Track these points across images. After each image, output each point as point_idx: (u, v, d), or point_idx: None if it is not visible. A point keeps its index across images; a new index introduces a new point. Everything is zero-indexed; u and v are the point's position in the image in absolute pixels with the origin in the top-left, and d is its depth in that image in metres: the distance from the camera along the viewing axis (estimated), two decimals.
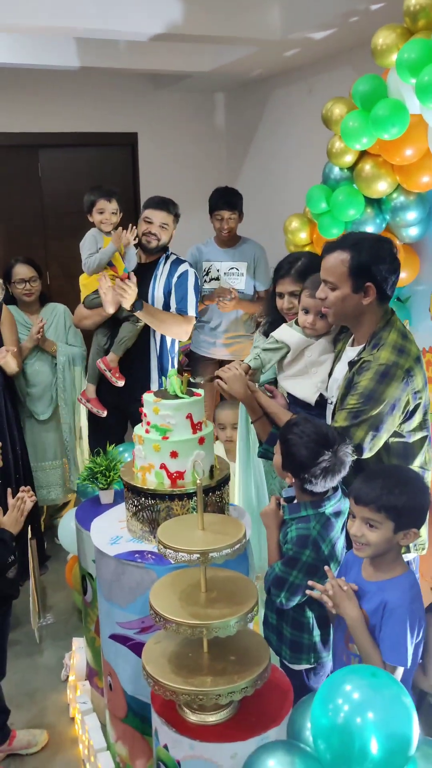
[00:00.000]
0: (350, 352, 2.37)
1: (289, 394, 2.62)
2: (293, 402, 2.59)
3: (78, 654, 3.03)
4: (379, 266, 2.19)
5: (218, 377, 2.55)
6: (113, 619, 2.25)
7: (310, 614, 2.16)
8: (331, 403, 2.44)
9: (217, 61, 4.76)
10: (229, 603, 1.82)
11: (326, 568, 2.02)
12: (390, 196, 3.14)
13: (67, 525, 3.36)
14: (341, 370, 2.41)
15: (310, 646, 2.17)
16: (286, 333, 2.59)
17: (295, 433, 2.08)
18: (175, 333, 3.58)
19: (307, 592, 2.01)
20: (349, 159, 3.14)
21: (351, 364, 2.29)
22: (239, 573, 2.00)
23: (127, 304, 3.38)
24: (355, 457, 2.15)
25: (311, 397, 2.52)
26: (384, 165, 3.03)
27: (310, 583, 2.01)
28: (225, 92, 6.07)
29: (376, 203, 3.22)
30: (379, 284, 2.21)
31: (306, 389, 2.54)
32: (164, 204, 3.57)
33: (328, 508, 2.13)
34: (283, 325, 2.64)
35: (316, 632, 2.18)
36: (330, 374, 2.52)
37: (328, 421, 2.41)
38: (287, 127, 5.17)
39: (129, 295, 3.35)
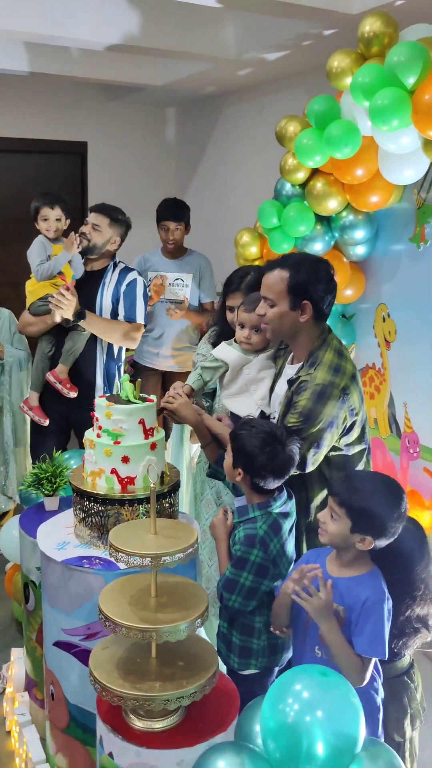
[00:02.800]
0: (289, 370, 2.43)
1: (231, 412, 2.65)
2: (236, 420, 2.61)
3: (16, 665, 2.97)
4: (316, 285, 2.27)
5: (165, 409, 2.55)
6: (58, 626, 2.21)
7: (258, 619, 2.17)
8: (274, 419, 2.48)
9: (171, 75, 4.81)
10: (180, 608, 1.82)
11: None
12: (340, 215, 3.23)
13: (8, 533, 3.29)
14: (282, 386, 2.46)
15: (258, 651, 2.19)
16: (225, 351, 2.63)
17: (246, 429, 2.14)
18: (122, 341, 3.57)
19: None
20: (301, 176, 3.22)
21: (290, 382, 2.36)
22: (189, 579, 2.00)
23: (68, 315, 3.35)
24: (298, 472, 2.21)
25: (253, 414, 2.54)
26: (335, 183, 3.12)
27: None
28: (177, 107, 6.13)
29: (326, 221, 3.30)
30: (316, 303, 2.28)
31: (247, 407, 2.57)
32: (103, 208, 3.57)
33: (275, 508, 2.16)
34: (222, 343, 2.68)
35: (264, 637, 2.20)
36: (272, 390, 2.57)
37: None
38: (237, 144, 5.25)
39: (67, 305, 3.32)
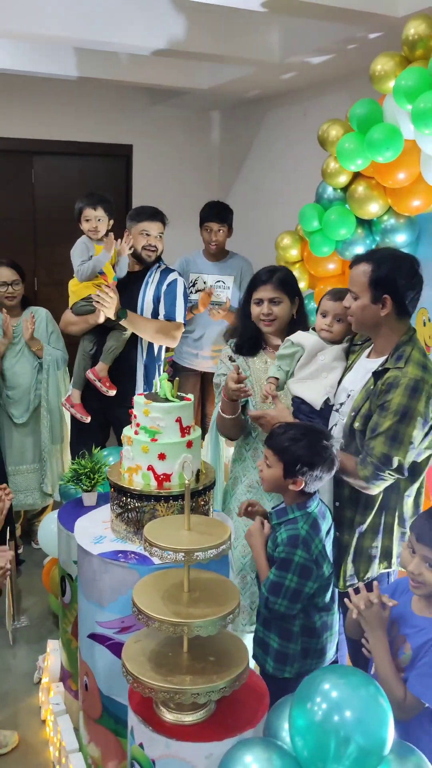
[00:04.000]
0: (368, 363, 2.40)
1: (294, 398, 2.63)
2: (297, 407, 2.60)
3: (52, 656, 3.03)
4: (398, 280, 2.27)
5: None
6: (93, 619, 2.26)
7: (297, 623, 2.19)
8: (337, 410, 2.48)
9: (215, 79, 4.85)
10: (211, 603, 1.84)
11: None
12: (381, 218, 3.22)
13: (47, 527, 3.36)
14: (353, 380, 2.45)
15: (294, 656, 2.20)
16: (302, 335, 2.63)
17: (292, 438, 2.16)
18: (162, 339, 3.62)
19: (345, 601, 2.00)
20: (342, 180, 3.22)
21: (376, 374, 2.32)
22: (222, 575, 2.02)
23: (110, 314, 3.40)
24: (396, 476, 2.23)
25: (319, 401, 2.53)
26: (376, 187, 3.11)
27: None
28: (220, 110, 6.17)
29: (367, 224, 3.30)
30: (397, 297, 2.28)
31: (315, 392, 2.55)
32: (159, 215, 3.63)
33: (313, 508, 2.18)
34: (299, 331, 2.69)
35: (299, 641, 2.21)
36: (339, 383, 2.56)
37: (339, 427, 2.44)
38: (280, 147, 5.27)
39: (109, 304, 3.38)
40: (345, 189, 3.27)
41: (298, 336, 2.64)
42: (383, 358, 2.34)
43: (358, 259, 2.37)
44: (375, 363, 2.36)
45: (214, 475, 2.38)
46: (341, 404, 2.48)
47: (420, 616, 1.88)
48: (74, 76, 4.80)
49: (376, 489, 2.29)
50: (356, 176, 3.20)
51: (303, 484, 2.16)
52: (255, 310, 2.72)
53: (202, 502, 2.29)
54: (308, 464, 2.15)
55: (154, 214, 3.61)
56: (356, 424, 2.33)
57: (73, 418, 3.81)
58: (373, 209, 3.14)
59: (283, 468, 2.17)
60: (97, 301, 3.40)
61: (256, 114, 5.57)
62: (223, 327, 4.35)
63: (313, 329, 2.66)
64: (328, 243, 3.34)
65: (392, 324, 2.32)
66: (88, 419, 3.72)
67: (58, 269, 5.49)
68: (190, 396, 2.31)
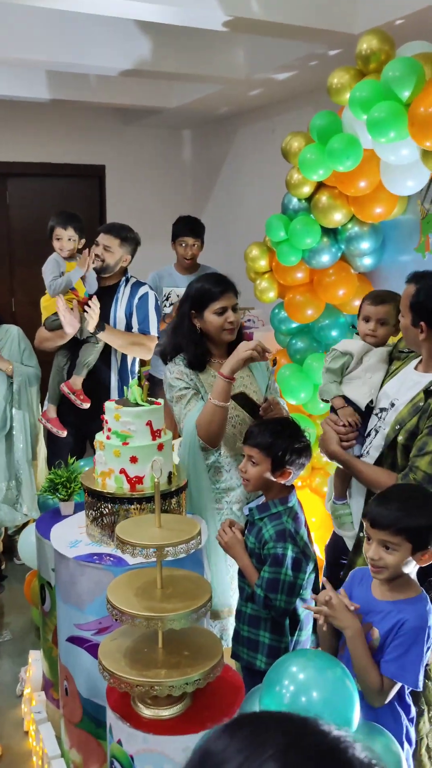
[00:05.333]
0: (416, 376, 2.40)
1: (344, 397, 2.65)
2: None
3: (34, 666, 3.05)
4: None
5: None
6: (71, 622, 2.29)
7: (287, 617, 2.24)
8: (377, 414, 2.51)
9: (184, 97, 4.96)
10: (184, 598, 1.89)
11: (324, 579, 2.07)
12: (345, 227, 3.32)
13: (27, 539, 3.39)
14: (397, 388, 2.45)
15: (286, 650, 2.25)
16: (347, 343, 2.66)
17: (275, 431, 2.26)
18: (137, 352, 3.68)
19: (304, 606, 2.06)
20: (306, 190, 3.31)
21: (428, 392, 2.29)
22: (194, 572, 2.07)
23: (91, 327, 3.47)
24: None
25: (364, 401, 2.56)
26: (339, 196, 3.21)
27: (310, 597, 2.06)
28: (191, 129, 6.29)
29: (332, 233, 3.39)
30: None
31: (360, 392, 2.59)
32: (111, 228, 3.68)
33: (294, 502, 2.27)
34: (342, 340, 2.73)
35: (289, 637, 2.27)
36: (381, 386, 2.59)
37: (381, 435, 2.44)
38: (251, 162, 5.38)
39: (93, 315, 3.44)
40: (309, 199, 3.36)
41: (344, 344, 2.66)
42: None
43: (410, 278, 2.37)
44: (423, 377, 2.35)
45: (185, 477, 2.44)
46: (382, 410, 2.49)
47: (382, 600, 1.91)
48: (46, 99, 4.89)
49: None
50: (319, 186, 3.30)
51: (291, 474, 2.25)
52: (217, 320, 2.62)
53: (175, 504, 2.34)
54: (296, 453, 2.24)
55: (106, 228, 3.70)
56: (400, 438, 2.31)
57: (49, 433, 3.85)
58: (336, 218, 3.24)
59: (271, 462, 2.24)
60: (84, 315, 3.44)
61: (226, 131, 5.69)
62: None
63: (356, 334, 2.72)
64: (295, 252, 3.43)
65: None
66: (64, 434, 3.76)
67: (35, 288, 5.52)
68: (160, 400, 2.37)
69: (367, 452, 2.49)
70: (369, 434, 2.52)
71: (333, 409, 2.65)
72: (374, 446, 2.47)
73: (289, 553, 2.18)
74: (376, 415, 2.51)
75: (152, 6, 2.95)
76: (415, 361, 2.47)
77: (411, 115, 2.59)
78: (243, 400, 2.61)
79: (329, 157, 2.96)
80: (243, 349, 2.50)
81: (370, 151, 2.92)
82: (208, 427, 2.54)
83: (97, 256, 3.62)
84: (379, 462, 2.42)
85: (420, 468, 2.21)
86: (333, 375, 2.67)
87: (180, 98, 5.01)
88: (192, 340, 2.67)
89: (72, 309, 3.49)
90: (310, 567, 2.25)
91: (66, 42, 3.88)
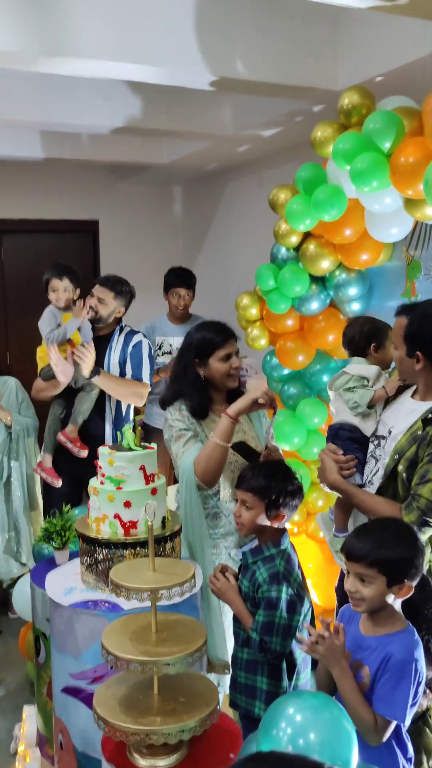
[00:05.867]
0: (413, 404, 2.41)
1: (332, 425, 2.65)
2: (335, 433, 2.60)
3: (28, 722, 2.98)
4: (429, 336, 2.27)
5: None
6: (66, 672, 2.27)
7: (284, 661, 2.22)
8: (374, 442, 2.50)
9: (174, 154, 5.11)
10: (179, 642, 1.88)
11: (305, 624, 2.07)
12: (333, 274, 3.39)
13: (21, 590, 3.35)
14: (395, 417, 2.45)
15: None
16: (364, 367, 2.60)
17: (268, 474, 2.28)
18: (131, 399, 3.71)
19: (299, 636, 2.03)
20: (294, 240, 3.40)
21: (425, 421, 2.30)
22: (189, 616, 2.06)
23: (86, 371, 3.50)
24: None
25: (370, 429, 2.55)
26: (326, 245, 3.29)
27: (298, 636, 2.05)
28: (182, 184, 6.46)
29: (321, 280, 3.47)
30: (429, 354, 2.28)
31: (371, 421, 2.57)
32: (106, 281, 3.76)
33: (286, 544, 2.27)
34: (349, 365, 2.68)
35: (287, 681, 2.24)
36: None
37: (381, 464, 2.43)
38: (240, 215, 5.51)
39: (88, 360, 3.47)
40: (297, 248, 3.45)
41: (358, 369, 2.60)
42: (429, 403, 2.34)
43: (399, 311, 2.41)
44: (420, 405, 2.37)
45: (180, 522, 2.44)
46: (380, 437, 2.49)
47: (369, 636, 1.91)
48: (40, 157, 5.03)
49: (422, 536, 2.24)
50: (306, 236, 3.39)
51: (284, 517, 2.26)
52: (223, 366, 2.68)
53: (169, 548, 2.33)
54: (290, 495, 2.26)
55: (101, 280, 3.79)
56: (400, 467, 2.31)
57: (45, 484, 3.85)
58: (324, 265, 3.31)
59: (265, 506, 2.25)
60: (78, 356, 3.47)
61: (215, 185, 5.84)
62: None
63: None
64: (285, 300, 3.50)
65: (428, 375, 2.33)
66: (59, 483, 3.76)
67: (30, 342, 5.58)
68: (153, 445, 2.39)
69: (370, 482, 2.47)
70: (368, 462, 2.53)
71: (331, 439, 2.63)
72: (376, 476, 2.45)
73: (283, 596, 2.17)
74: (373, 442, 2.52)
75: (142, 67, 3.07)
76: (410, 390, 2.48)
77: (392, 165, 2.69)
78: (243, 449, 2.64)
79: (315, 208, 3.05)
80: (253, 393, 2.55)
81: (354, 201, 3.02)
82: (206, 466, 2.54)
83: (90, 307, 3.68)
84: (379, 493, 2.41)
85: (423, 496, 2.21)
86: (353, 396, 2.56)
87: (170, 155, 5.16)
88: (196, 388, 2.70)
89: (65, 358, 3.53)
90: (305, 608, 2.24)
91: (59, 103, 4.01)
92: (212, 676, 2.63)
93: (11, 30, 2.75)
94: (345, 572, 2.38)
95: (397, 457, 2.34)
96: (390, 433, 2.45)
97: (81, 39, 2.87)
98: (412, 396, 2.46)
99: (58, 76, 3.68)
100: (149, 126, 4.26)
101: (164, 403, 2.82)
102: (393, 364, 2.66)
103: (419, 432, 2.30)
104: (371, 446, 2.54)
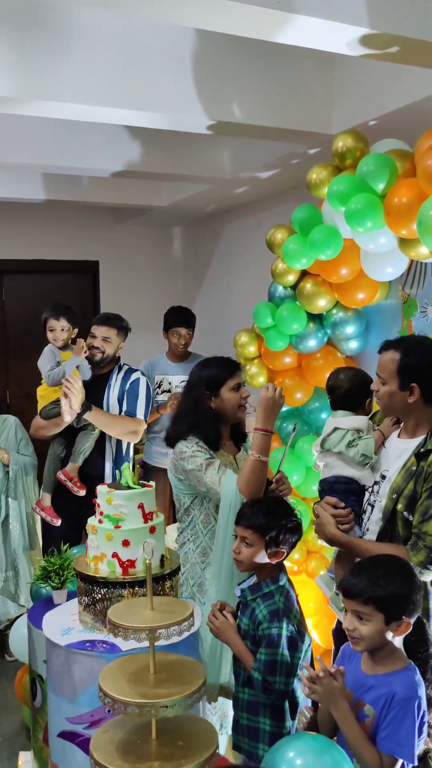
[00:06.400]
0: (401, 444, 2.41)
1: (325, 479, 2.61)
2: (330, 486, 2.56)
3: None
4: (426, 368, 2.31)
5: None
6: (63, 715, 2.23)
7: (286, 702, 2.19)
8: (368, 489, 2.48)
9: (173, 196, 5.20)
10: (178, 683, 1.85)
11: (305, 665, 2.04)
12: (330, 312, 3.43)
13: (18, 631, 3.31)
14: (386, 460, 2.44)
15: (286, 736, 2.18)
16: (354, 420, 2.56)
17: (268, 511, 2.27)
18: (124, 435, 3.70)
19: (300, 674, 1.99)
20: (291, 278, 3.44)
21: (418, 456, 2.30)
22: (188, 657, 2.03)
23: (75, 404, 3.47)
24: None
25: (370, 479, 2.50)
26: (323, 283, 3.33)
27: (300, 675, 2.02)
28: (181, 225, 6.55)
29: (318, 318, 3.50)
30: (424, 385, 2.30)
31: (365, 471, 2.53)
32: (107, 319, 3.79)
33: (285, 581, 2.25)
34: (329, 421, 2.63)
35: (290, 721, 2.20)
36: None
37: (378, 508, 2.40)
38: (238, 255, 5.59)
39: (76, 392, 3.44)
40: (294, 287, 3.49)
41: (351, 422, 2.56)
42: (419, 439, 2.34)
43: (386, 346, 2.41)
44: (410, 443, 2.37)
45: (179, 560, 2.42)
46: (375, 482, 2.47)
47: (371, 675, 1.88)
48: (42, 199, 5.12)
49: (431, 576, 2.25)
50: (303, 274, 3.43)
51: (284, 554, 2.25)
52: (235, 396, 2.72)
53: (168, 587, 2.32)
54: (289, 532, 2.25)
55: (102, 319, 3.80)
56: (399, 506, 2.29)
57: (44, 522, 3.83)
58: (321, 304, 3.35)
59: (265, 543, 2.23)
60: (64, 394, 3.46)
61: (213, 226, 5.93)
62: None
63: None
64: (283, 338, 3.52)
65: (420, 408, 2.35)
66: (58, 522, 3.74)
67: (30, 381, 5.60)
68: (152, 483, 2.39)
69: (367, 529, 2.46)
70: (365, 511, 2.51)
71: (327, 493, 2.57)
72: (373, 521, 2.44)
73: (284, 633, 2.15)
74: (367, 490, 2.51)
75: (141, 113, 3.15)
76: (395, 432, 2.49)
77: (386, 206, 2.74)
78: None
79: (311, 247, 3.10)
80: (262, 403, 2.54)
81: (350, 241, 3.06)
82: (250, 482, 2.52)
83: (96, 348, 3.70)
84: (378, 539, 2.39)
85: (428, 533, 2.19)
86: (355, 458, 2.50)
87: (169, 197, 5.25)
88: (209, 420, 2.73)
89: (72, 384, 3.52)
90: (306, 645, 2.22)
91: (61, 147, 4.10)
92: (215, 720, 2.59)
93: (11, 75, 2.83)
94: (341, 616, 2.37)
95: (395, 496, 2.32)
96: (384, 477, 2.44)
97: (82, 85, 2.95)
98: (399, 436, 2.46)
99: (59, 120, 3.78)
100: (149, 169, 4.35)
101: (174, 439, 2.79)
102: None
103: (414, 468, 2.30)
104: (366, 494, 2.51)
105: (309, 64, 3.32)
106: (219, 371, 2.75)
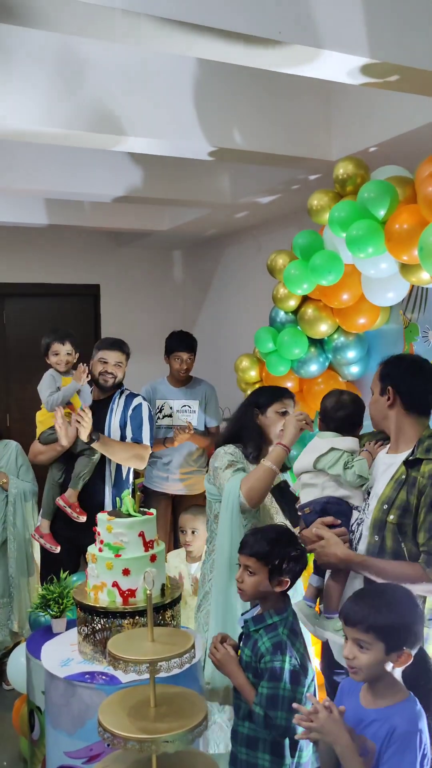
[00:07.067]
0: (388, 459, 2.41)
1: (313, 500, 2.56)
2: (323, 508, 2.52)
3: None
4: (402, 374, 2.36)
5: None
6: (61, 750, 2.19)
7: (286, 738, 2.13)
8: (357, 509, 2.47)
9: (174, 221, 5.22)
10: (179, 717, 1.82)
11: (308, 695, 1.99)
12: (331, 337, 3.42)
13: (17, 661, 3.26)
14: (373, 477, 2.44)
15: None
16: (348, 441, 2.54)
17: (272, 540, 2.24)
18: (131, 462, 3.69)
19: (295, 721, 1.89)
20: (292, 303, 3.44)
21: (408, 463, 2.29)
22: (189, 689, 2.00)
23: (84, 435, 3.48)
24: None
25: (361, 499, 2.49)
26: (324, 308, 3.33)
27: (295, 705, 1.92)
28: (182, 249, 6.57)
29: (319, 343, 3.49)
30: (399, 388, 2.33)
31: (357, 492, 2.52)
32: (117, 344, 3.79)
33: (290, 612, 2.21)
34: (321, 439, 2.60)
35: (290, 759, 2.15)
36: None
37: (366, 525, 2.38)
38: (239, 279, 5.60)
39: (86, 424, 3.46)
40: (295, 312, 3.49)
41: (340, 443, 2.53)
42: (405, 453, 2.33)
43: (380, 362, 2.50)
44: (396, 458, 2.36)
45: (179, 589, 2.39)
46: (363, 500, 2.46)
47: (371, 709, 1.84)
48: (45, 224, 5.15)
49: None
50: (305, 299, 3.43)
51: (288, 583, 2.21)
52: (278, 419, 2.83)
53: (169, 617, 2.28)
54: (293, 560, 2.22)
55: (112, 344, 3.79)
56: (391, 517, 2.27)
57: (43, 549, 3.79)
58: (322, 329, 3.35)
59: (268, 571, 2.20)
60: (77, 421, 3.46)
61: (214, 250, 5.95)
62: (191, 449, 4.45)
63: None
64: (284, 363, 3.52)
65: (403, 417, 2.35)
66: (58, 549, 3.70)
67: (30, 404, 5.59)
68: (153, 510, 2.36)
69: (356, 548, 2.41)
70: (353, 531, 2.46)
71: (318, 515, 2.49)
72: (362, 540, 2.39)
73: (287, 666, 2.10)
74: (356, 509, 2.48)
75: (143, 140, 3.17)
76: (385, 448, 2.48)
77: (387, 232, 2.75)
78: (280, 491, 2.76)
79: (312, 273, 3.10)
80: (293, 422, 2.71)
81: (351, 266, 3.07)
82: (252, 484, 2.63)
83: (109, 373, 3.71)
84: (367, 553, 2.34)
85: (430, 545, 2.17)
86: (352, 480, 2.47)
87: (170, 221, 5.28)
88: (252, 432, 2.87)
89: (69, 422, 3.53)
90: (309, 680, 2.17)
91: (63, 172, 4.13)
92: (224, 719, 2.56)
93: (15, 103, 2.85)
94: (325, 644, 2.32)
95: (385, 507, 2.29)
96: (369, 494, 2.43)
97: (85, 112, 2.97)
98: (388, 452, 2.46)
99: (61, 146, 3.80)
100: (150, 194, 4.37)
101: (219, 445, 2.95)
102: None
103: (403, 476, 2.29)
104: (356, 513, 2.48)
105: (309, 90, 3.35)
106: (273, 391, 2.95)
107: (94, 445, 3.54)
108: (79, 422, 3.46)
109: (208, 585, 2.81)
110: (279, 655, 2.12)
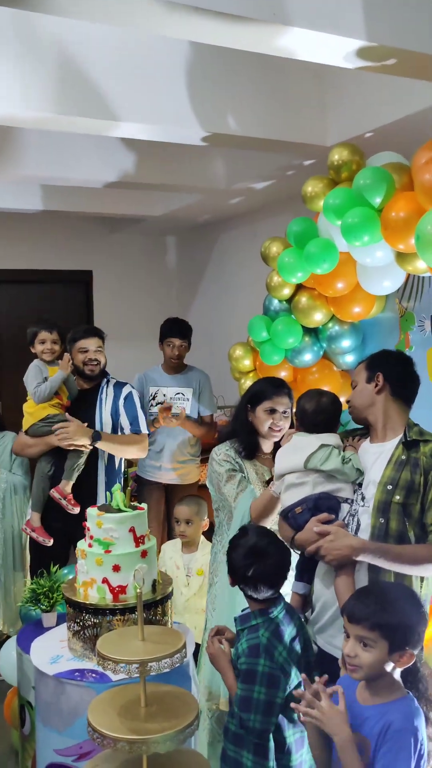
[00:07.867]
0: (375, 447, 2.37)
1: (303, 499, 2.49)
2: (316, 503, 2.43)
3: None
4: (388, 361, 2.39)
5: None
6: (51, 747, 2.16)
7: (271, 738, 2.09)
8: (347, 500, 2.41)
9: (167, 206, 5.15)
10: (170, 717, 1.79)
11: (303, 676, 1.92)
12: (326, 326, 3.37)
13: (7, 654, 3.23)
14: (364, 466, 2.39)
15: None
16: (332, 437, 2.50)
17: (236, 545, 2.18)
18: (135, 453, 3.68)
19: (293, 705, 1.85)
20: (286, 292, 3.39)
21: (406, 444, 2.27)
22: (180, 688, 1.97)
23: (85, 441, 3.45)
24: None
25: (351, 491, 2.43)
26: (319, 297, 3.28)
27: (292, 705, 1.87)
28: (175, 235, 6.50)
29: (313, 332, 3.45)
30: (387, 375, 2.33)
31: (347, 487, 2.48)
32: (93, 331, 3.75)
33: (276, 612, 2.14)
34: (304, 437, 2.54)
35: (273, 762, 2.10)
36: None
37: (367, 512, 2.33)
38: (233, 266, 5.54)
39: (80, 434, 3.42)
40: (290, 300, 3.44)
41: (325, 438, 2.49)
42: (395, 440, 2.31)
43: (360, 362, 2.51)
44: (384, 446, 2.32)
45: (171, 585, 2.36)
46: (354, 492, 2.41)
47: (367, 706, 1.82)
48: (38, 210, 5.08)
49: None
50: (299, 288, 3.38)
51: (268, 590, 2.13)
52: (266, 418, 2.76)
53: (160, 614, 2.25)
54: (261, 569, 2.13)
55: (88, 331, 3.75)
56: (396, 497, 2.23)
57: (34, 542, 3.74)
58: (317, 318, 3.30)
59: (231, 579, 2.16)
60: (67, 438, 3.44)
61: (208, 237, 5.88)
62: (184, 438, 4.40)
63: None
64: (278, 352, 3.47)
65: (391, 403, 2.34)
66: (50, 542, 3.65)
67: (23, 392, 5.56)
68: (143, 505, 2.32)
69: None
70: (347, 524, 2.38)
71: (311, 512, 2.41)
72: (362, 529, 2.33)
73: (260, 669, 2.03)
74: (346, 502, 2.41)
75: (136, 125, 3.10)
76: (366, 441, 2.43)
77: (383, 219, 2.69)
78: None
79: (307, 261, 3.05)
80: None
81: (346, 254, 3.01)
82: (262, 512, 2.66)
83: (93, 360, 3.66)
84: (370, 539, 2.27)
85: None
86: (350, 474, 2.42)
87: (163, 207, 5.21)
88: (245, 431, 2.83)
89: (58, 412, 3.47)
90: (293, 684, 2.09)
91: (55, 158, 4.06)
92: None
93: (4, 87, 2.78)
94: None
95: (390, 487, 2.25)
96: (360, 485, 2.36)
97: (76, 96, 2.90)
98: (371, 442, 2.41)
99: (53, 131, 3.73)
100: (143, 180, 4.30)
101: (220, 441, 2.96)
102: None
103: (403, 457, 2.26)
104: (346, 506, 2.41)
105: (304, 75, 3.28)
106: (262, 388, 2.84)
107: (98, 444, 3.50)
108: (66, 438, 3.42)
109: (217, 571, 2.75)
110: (254, 657, 2.06)
